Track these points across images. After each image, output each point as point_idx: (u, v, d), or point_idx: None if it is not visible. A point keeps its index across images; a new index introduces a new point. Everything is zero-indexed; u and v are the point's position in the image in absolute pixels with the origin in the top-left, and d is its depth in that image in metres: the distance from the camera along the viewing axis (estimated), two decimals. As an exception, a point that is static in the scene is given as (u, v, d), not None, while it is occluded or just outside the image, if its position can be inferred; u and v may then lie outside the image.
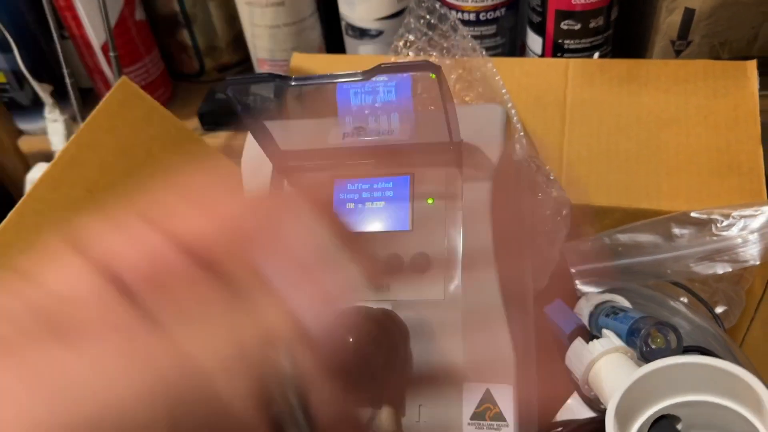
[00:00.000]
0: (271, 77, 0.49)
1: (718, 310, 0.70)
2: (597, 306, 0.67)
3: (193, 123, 0.92)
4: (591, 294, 0.69)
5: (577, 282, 0.67)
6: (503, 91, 0.69)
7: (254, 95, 0.56)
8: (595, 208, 0.70)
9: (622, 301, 0.68)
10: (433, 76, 0.47)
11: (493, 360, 0.54)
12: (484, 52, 0.73)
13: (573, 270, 0.67)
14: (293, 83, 0.49)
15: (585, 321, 0.64)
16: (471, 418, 0.53)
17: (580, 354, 0.59)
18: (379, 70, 0.47)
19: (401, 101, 0.59)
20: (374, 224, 0.60)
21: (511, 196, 0.62)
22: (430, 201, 0.59)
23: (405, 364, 0.55)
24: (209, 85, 0.97)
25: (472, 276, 0.55)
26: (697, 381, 0.43)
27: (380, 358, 0.51)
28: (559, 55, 0.84)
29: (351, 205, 0.61)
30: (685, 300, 0.68)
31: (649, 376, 0.44)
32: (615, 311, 0.65)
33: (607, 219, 0.71)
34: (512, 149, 0.66)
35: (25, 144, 0.99)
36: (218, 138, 0.91)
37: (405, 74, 0.48)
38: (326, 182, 0.62)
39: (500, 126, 0.59)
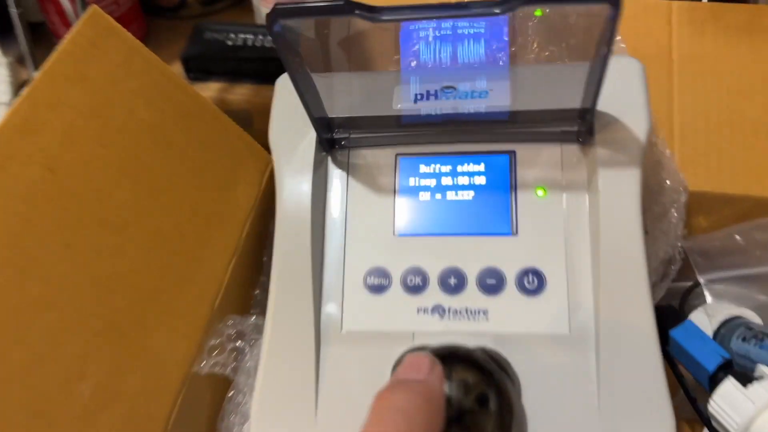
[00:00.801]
0: (349, 6, 0.31)
1: None
2: (724, 324, 0.52)
3: (173, 70, 0.72)
4: (712, 306, 0.54)
5: (706, 293, 0.51)
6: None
7: (298, 36, 0.37)
8: (714, 196, 0.54)
9: (753, 318, 0.52)
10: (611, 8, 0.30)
11: (644, 425, 0.38)
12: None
13: (703, 279, 0.51)
14: (385, 17, 0.31)
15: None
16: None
17: (734, 401, 0.44)
18: (530, -1, 0.30)
19: (494, 50, 0.42)
20: (459, 224, 0.43)
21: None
22: (540, 192, 0.42)
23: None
24: (193, 21, 0.76)
25: (612, 301, 0.39)
26: None
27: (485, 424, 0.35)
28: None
29: (425, 195, 0.44)
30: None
31: None
32: (756, 335, 0.49)
33: (728, 209, 0.55)
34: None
35: (-46, 93, 0.77)
36: (207, 90, 0.71)
37: (500, 15, 0.30)
38: (387, 162, 0.44)
39: (643, 88, 0.42)
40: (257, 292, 0.55)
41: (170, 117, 0.50)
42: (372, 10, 0.31)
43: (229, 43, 0.70)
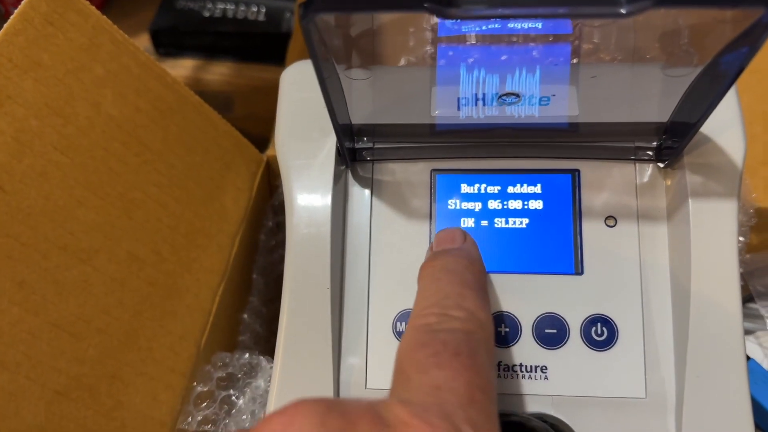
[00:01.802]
0: (417, 2, 0.23)
1: None
2: (782, 357, 0.46)
3: (140, 44, 0.62)
4: (766, 336, 0.48)
5: (767, 318, 0.45)
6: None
7: (333, 29, 0.29)
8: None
9: (814, 350, 0.47)
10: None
11: None
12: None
13: (764, 310, 0.45)
14: (467, 13, 0.23)
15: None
16: None
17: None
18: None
19: (558, 52, 0.34)
20: (510, 260, 0.35)
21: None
22: (610, 221, 0.35)
23: None
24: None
25: (700, 358, 0.32)
26: None
27: None
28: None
29: (468, 222, 0.36)
30: None
31: None
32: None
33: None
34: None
35: None
36: (179, 68, 0.62)
37: (626, 17, 0.23)
38: (420, 180, 0.36)
39: (736, 103, 0.35)
40: (245, 316, 0.47)
41: (145, 112, 0.40)
42: (449, 3, 0.23)
43: (206, 13, 0.60)
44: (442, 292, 0.27)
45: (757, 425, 0.42)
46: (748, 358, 0.42)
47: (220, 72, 0.61)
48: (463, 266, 0.29)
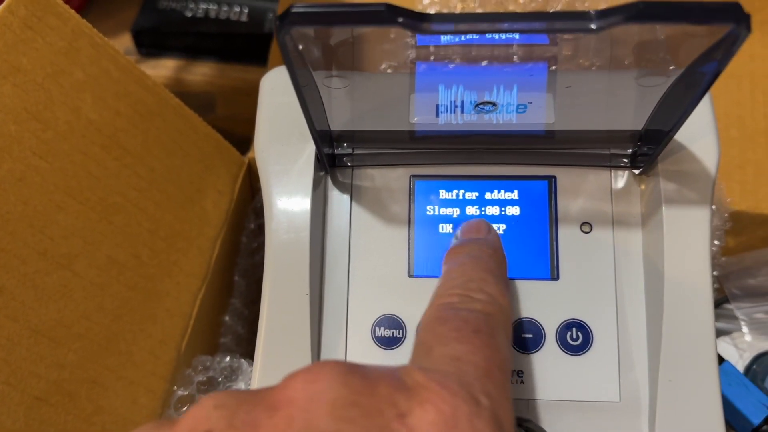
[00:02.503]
0: (391, 13, 0.23)
1: None
2: (756, 359, 0.47)
3: (122, 44, 0.61)
4: (740, 338, 0.49)
5: (743, 327, 0.46)
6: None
7: (310, 40, 0.29)
8: (749, 216, 0.48)
9: (790, 352, 0.48)
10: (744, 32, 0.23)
11: None
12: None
13: (739, 312, 0.45)
14: (438, 27, 0.23)
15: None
16: None
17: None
18: (641, 12, 0.22)
19: (535, 61, 0.35)
20: (488, 263, 0.35)
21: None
22: (585, 227, 0.35)
23: None
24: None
25: (673, 363, 0.33)
26: None
27: None
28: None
29: (446, 228, 0.36)
30: None
31: None
32: (797, 375, 0.44)
33: (763, 230, 0.49)
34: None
35: None
36: (161, 68, 0.61)
37: (595, 32, 0.23)
38: (399, 186, 0.37)
39: (710, 109, 0.35)
40: (227, 318, 0.47)
41: (124, 116, 0.40)
42: (422, 19, 0.23)
43: (188, 14, 0.60)
44: (466, 275, 0.28)
45: (732, 426, 0.43)
46: (722, 359, 0.43)
47: (202, 72, 0.60)
48: (488, 255, 0.30)
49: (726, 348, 0.48)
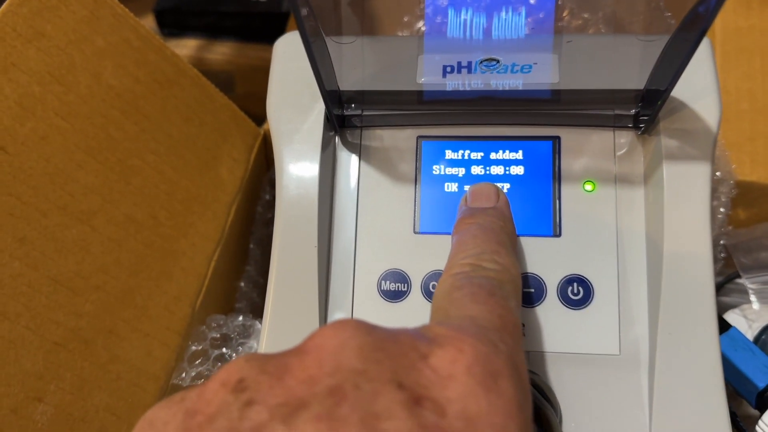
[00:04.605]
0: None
1: None
2: (766, 330, 0.47)
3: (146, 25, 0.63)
4: (751, 309, 0.49)
5: (752, 297, 0.46)
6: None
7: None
8: (760, 187, 0.48)
9: (799, 323, 0.48)
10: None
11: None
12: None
13: (748, 281, 0.46)
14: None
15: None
16: None
17: (789, 425, 0.39)
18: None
19: (542, 18, 0.35)
20: (492, 220, 0.36)
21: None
22: (588, 186, 0.36)
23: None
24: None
25: (672, 317, 0.33)
26: None
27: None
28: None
29: (451, 187, 0.37)
30: None
31: None
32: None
33: (771, 202, 0.49)
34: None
35: None
36: (183, 48, 0.63)
37: None
38: (407, 146, 0.38)
39: (712, 69, 0.36)
40: (242, 284, 0.49)
41: (144, 83, 0.42)
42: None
43: (209, -6, 0.62)
44: (478, 247, 0.29)
45: (738, 391, 0.43)
46: (729, 326, 0.43)
47: (222, 52, 0.62)
48: (499, 226, 0.31)
49: (735, 319, 0.49)
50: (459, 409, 0.18)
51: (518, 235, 0.36)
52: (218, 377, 0.20)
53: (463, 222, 0.32)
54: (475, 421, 0.18)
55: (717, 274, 0.49)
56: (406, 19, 0.38)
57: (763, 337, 0.47)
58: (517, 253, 0.31)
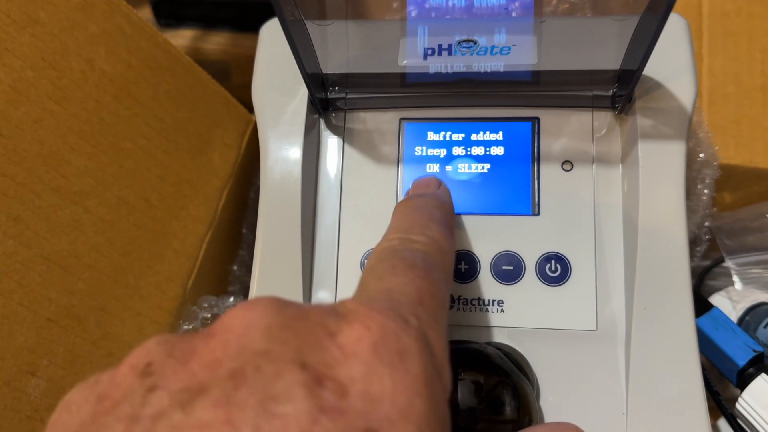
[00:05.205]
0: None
1: None
2: (750, 310, 0.48)
3: (142, 16, 0.64)
4: (736, 290, 0.49)
5: (734, 278, 0.47)
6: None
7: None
8: (745, 170, 0.49)
9: (783, 304, 0.48)
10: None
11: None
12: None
13: (731, 263, 0.46)
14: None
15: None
16: None
17: (767, 401, 0.40)
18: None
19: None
20: (472, 202, 0.37)
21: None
22: (566, 165, 0.37)
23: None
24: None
25: (648, 294, 0.34)
26: None
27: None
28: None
29: (433, 167, 0.38)
30: None
31: None
32: (787, 324, 0.45)
33: (759, 185, 0.50)
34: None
35: None
36: (179, 38, 0.64)
37: None
38: (390, 128, 0.38)
39: (689, 49, 0.36)
40: (235, 267, 0.50)
41: (136, 69, 0.43)
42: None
43: (205, -16, 0.63)
44: (408, 222, 0.29)
45: (719, 370, 0.44)
46: (711, 306, 0.44)
47: (217, 42, 0.63)
48: (433, 205, 0.31)
49: (720, 300, 0.49)
50: (361, 389, 0.18)
51: (498, 214, 0.37)
52: (129, 360, 0.19)
53: (400, 205, 0.32)
54: (377, 400, 0.18)
55: (703, 257, 0.49)
56: (395, 5, 0.39)
57: (746, 317, 0.48)
58: (453, 231, 0.30)
